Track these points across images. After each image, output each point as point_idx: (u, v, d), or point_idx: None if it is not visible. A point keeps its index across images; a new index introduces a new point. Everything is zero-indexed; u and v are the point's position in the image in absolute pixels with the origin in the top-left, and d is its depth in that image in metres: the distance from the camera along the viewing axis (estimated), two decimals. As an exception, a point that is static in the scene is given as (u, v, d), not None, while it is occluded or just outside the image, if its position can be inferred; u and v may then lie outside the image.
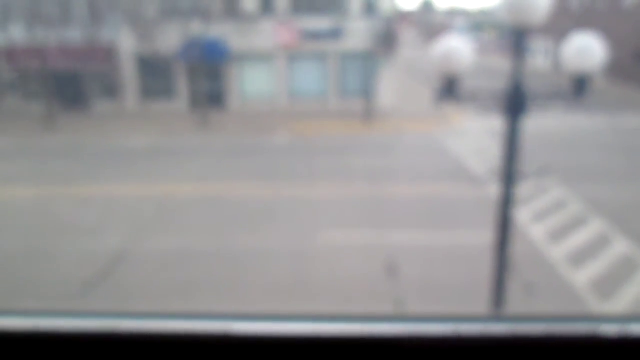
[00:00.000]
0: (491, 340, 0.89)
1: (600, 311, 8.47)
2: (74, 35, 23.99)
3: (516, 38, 6.08)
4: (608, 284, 9.04)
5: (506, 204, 6.38)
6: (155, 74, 25.06)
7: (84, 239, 11.00)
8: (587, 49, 5.83)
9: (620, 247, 10.33)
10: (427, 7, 77.10)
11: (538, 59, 33.69)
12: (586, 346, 0.88)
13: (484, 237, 8.26)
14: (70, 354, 0.92)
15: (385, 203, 12.95)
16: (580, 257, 9.92)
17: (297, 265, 9.88)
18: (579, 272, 9.42)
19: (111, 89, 25.51)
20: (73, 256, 10.33)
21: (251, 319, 0.92)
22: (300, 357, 0.90)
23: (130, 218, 12.46)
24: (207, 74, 24.35)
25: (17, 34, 23.90)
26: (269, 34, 24.77)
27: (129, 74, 25.33)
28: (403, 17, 48.41)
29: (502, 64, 23.42)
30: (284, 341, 0.89)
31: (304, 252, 10.44)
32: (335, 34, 24.84)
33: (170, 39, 23.61)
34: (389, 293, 8.80)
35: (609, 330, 0.88)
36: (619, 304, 8.52)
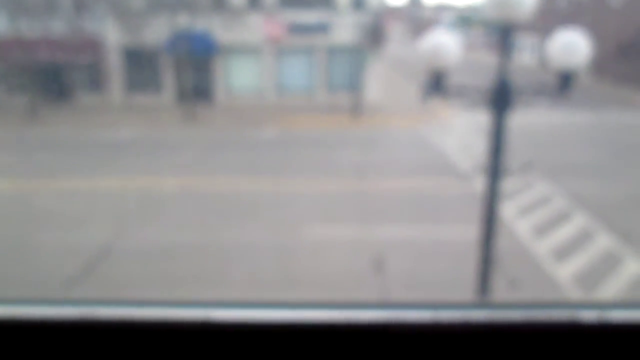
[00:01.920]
0: (470, 326, 0.89)
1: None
2: (59, 26, 23.67)
3: (503, 34, 6.10)
4: (591, 278, 9.15)
5: (491, 198, 6.42)
6: (141, 67, 24.82)
7: (67, 232, 10.89)
8: (572, 46, 5.87)
9: (603, 242, 10.46)
10: (415, 2, 77.17)
11: (524, 55, 33.90)
12: (565, 332, 0.89)
13: (470, 231, 8.30)
14: (47, 341, 0.91)
15: (372, 198, 12.97)
16: (564, 252, 10.03)
17: (282, 259, 9.86)
18: (563, 267, 9.53)
19: (96, 82, 25.22)
20: (56, 249, 10.22)
21: (231, 306, 0.91)
22: (281, 343, 0.89)
23: (114, 211, 12.35)
24: (194, 67, 24.17)
25: (0, 25, 23.53)
26: (256, 28, 24.63)
27: (114, 67, 25.06)
28: (391, 12, 48.42)
29: (488, 59, 23.53)
30: (264, 328, 0.89)
31: (290, 246, 10.43)
32: (323, 28, 24.78)
33: (156, 31, 23.38)
34: (375, 287, 8.83)
35: (588, 316, 0.88)
36: (602, 297, 8.63)
